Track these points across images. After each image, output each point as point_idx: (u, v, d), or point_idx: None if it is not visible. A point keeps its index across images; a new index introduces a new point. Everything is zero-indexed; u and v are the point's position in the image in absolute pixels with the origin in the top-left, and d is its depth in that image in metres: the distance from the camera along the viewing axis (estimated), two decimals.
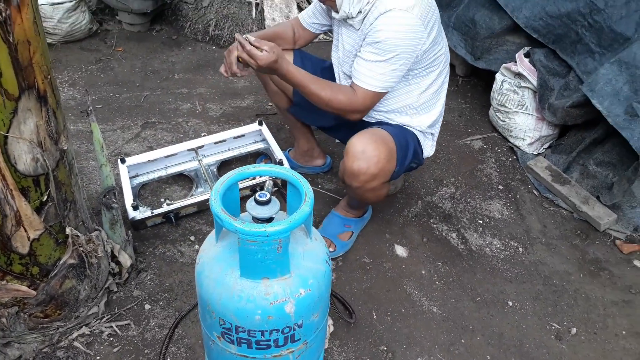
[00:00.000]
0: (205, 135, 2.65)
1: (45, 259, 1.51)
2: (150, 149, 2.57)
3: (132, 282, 1.87)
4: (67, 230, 1.52)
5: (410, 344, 1.74)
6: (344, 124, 1.92)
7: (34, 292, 1.49)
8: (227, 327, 1.32)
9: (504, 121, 2.66)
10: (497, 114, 2.71)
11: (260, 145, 2.45)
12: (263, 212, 1.27)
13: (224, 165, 2.41)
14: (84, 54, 3.42)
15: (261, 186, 2.18)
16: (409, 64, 1.67)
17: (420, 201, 2.30)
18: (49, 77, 1.32)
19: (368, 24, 1.66)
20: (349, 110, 1.74)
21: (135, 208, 2.04)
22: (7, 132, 1.27)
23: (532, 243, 2.15)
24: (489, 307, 1.88)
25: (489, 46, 2.81)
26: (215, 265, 1.32)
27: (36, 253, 1.47)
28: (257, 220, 1.29)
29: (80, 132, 2.69)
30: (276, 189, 1.42)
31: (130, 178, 2.29)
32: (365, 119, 1.88)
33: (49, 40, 3.48)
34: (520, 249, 2.12)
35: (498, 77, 2.67)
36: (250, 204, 1.28)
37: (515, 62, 2.59)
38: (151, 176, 2.33)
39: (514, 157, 2.60)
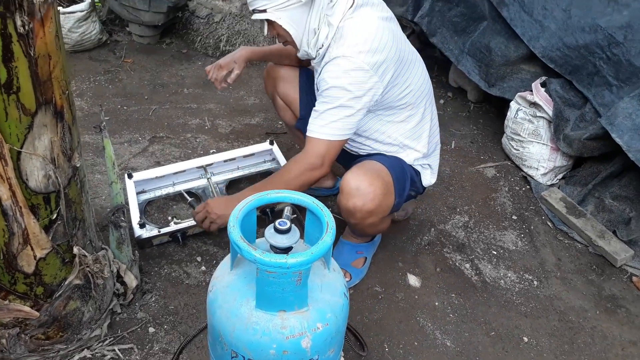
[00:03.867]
0: (214, 152, 2.61)
1: (50, 278, 1.45)
2: (158, 164, 2.53)
3: (137, 304, 1.81)
4: (75, 249, 1.46)
5: None
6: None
7: (36, 314, 1.43)
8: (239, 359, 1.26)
9: (518, 150, 2.63)
10: (510, 142, 2.68)
11: (270, 165, 2.41)
12: (282, 241, 1.22)
13: (233, 184, 2.36)
14: (93, 64, 3.39)
15: (271, 208, 2.13)
16: (365, 108, 1.61)
17: (433, 229, 2.26)
18: (67, 92, 1.28)
19: (320, 71, 1.64)
20: (309, 168, 1.64)
21: (142, 226, 1.99)
22: (21, 147, 1.22)
23: (547, 277, 2.10)
24: (504, 342, 1.82)
25: (503, 74, 2.78)
26: (229, 295, 1.27)
27: (42, 272, 1.42)
28: (275, 249, 1.24)
29: (86, 144, 2.64)
30: (294, 215, 1.36)
31: (137, 194, 2.24)
32: (358, 150, 1.85)
33: None
34: (535, 282, 2.06)
35: (513, 105, 2.64)
36: (269, 231, 1.23)
37: (531, 90, 2.56)
38: (158, 193, 2.27)
39: (528, 186, 2.56)
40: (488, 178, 2.60)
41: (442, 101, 3.27)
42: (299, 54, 1.71)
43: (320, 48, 1.62)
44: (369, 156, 1.81)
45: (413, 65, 1.68)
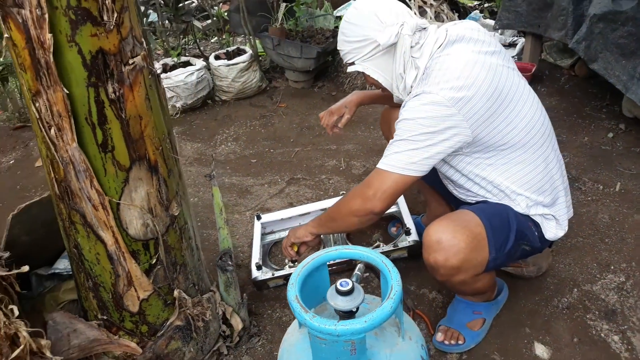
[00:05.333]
0: (344, 193, 2.61)
1: (153, 318, 1.57)
2: (291, 205, 2.62)
3: (244, 346, 1.86)
4: (175, 292, 1.57)
5: None
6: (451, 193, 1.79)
7: (140, 350, 1.56)
8: None
9: None
10: None
11: (394, 209, 2.32)
12: (344, 303, 1.15)
13: None
14: (251, 110, 3.69)
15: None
16: (444, 147, 1.45)
17: (576, 289, 1.92)
18: (160, 148, 1.39)
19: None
20: (358, 196, 1.56)
21: (258, 268, 2.06)
22: (119, 199, 1.36)
23: None
24: None
25: None
26: (293, 355, 1.23)
27: (145, 312, 1.54)
28: (338, 312, 1.17)
29: (233, 185, 2.86)
30: (367, 274, 1.27)
31: (267, 234, 2.35)
32: (466, 198, 1.69)
33: (223, 98, 3.84)
34: None
35: None
36: (330, 292, 1.17)
37: None
38: (283, 234, 2.34)
39: None
40: None
41: (611, 134, 2.82)
42: (395, 100, 1.65)
43: (409, 92, 1.54)
44: (474, 205, 1.63)
45: (517, 102, 1.48)
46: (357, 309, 1.17)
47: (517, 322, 1.83)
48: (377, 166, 1.54)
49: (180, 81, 3.59)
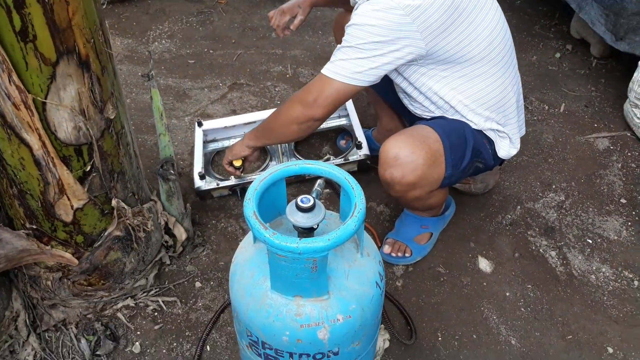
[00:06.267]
0: None
1: (89, 228, 1.45)
2: (234, 112, 2.47)
3: (187, 256, 1.79)
4: (113, 202, 1.44)
5: None
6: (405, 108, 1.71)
7: (76, 261, 1.45)
8: (254, 339, 1.18)
9: None
10: (633, 109, 2.24)
11: (343, 121, 2.23)
12: (303, 220, 1.08)
13: (304, 140, 2.23)
14: (187, 5, 3.37)
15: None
16: (393, 58, 1.38)
17: (519, 207, 1.97)
18: (91, 40, 1.20)
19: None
20: (297, 102, 1.50)
21: (202, 177, 1.95)
22: (45, 98, 1.18)
23: None
24: (581, 350, 1.56)
25: (636, 25, 2.30)
26: (247, 270, 1.17)
27: (80, 222, 1.42)
28: (297, 228, 1.11)
29: (169, 87, 2.65)
30: (327, 190, 1.20)
31: (208, 142, 2.21)
32: (422, 113, 1.63)
33: None
34: (636, 282, 1.73)
35: None
36: (290, 208, 1.09)
37: None
38: (226, 143, 2.21)
39: None
40: (598, 151, 2.22)
41: (558, 55, 2.83)
42: (351, 2, 1.51)
43: None
44: (430, 120, 1.58)
45: (478, 14, 1.40)
46: (318, 225, 1.11)
47: (462, 237, 1.86)
48: (322, 71, 1.45)
49: None
